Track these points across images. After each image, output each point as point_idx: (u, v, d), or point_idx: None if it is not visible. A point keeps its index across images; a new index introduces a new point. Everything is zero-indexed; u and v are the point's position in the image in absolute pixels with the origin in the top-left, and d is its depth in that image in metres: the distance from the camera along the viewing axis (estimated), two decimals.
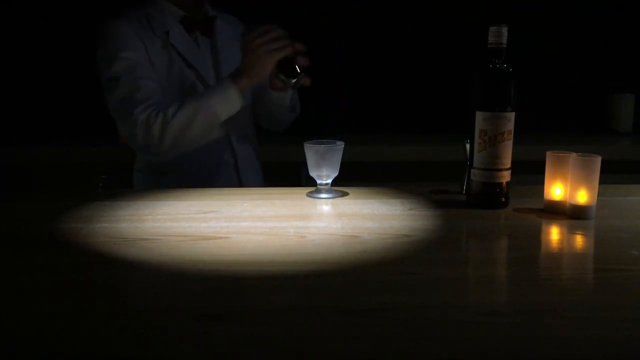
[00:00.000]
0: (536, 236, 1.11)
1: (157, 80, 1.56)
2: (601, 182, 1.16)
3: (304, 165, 1.37)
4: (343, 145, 1.34)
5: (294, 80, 1.50)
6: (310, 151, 1.32)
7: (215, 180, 1.68)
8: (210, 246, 1.02)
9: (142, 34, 1.56)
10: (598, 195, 1.16)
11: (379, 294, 0.82)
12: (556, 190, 1.21)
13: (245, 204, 1.29)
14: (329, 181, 1.36)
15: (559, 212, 1.20)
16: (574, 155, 1.17)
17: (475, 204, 1.26)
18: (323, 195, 1.35)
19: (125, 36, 1.55)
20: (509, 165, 1.24)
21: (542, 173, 1.23)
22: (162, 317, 0.76)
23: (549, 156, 1.23)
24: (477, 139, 1.23)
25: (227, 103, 1.48)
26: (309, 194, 1.37)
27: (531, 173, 1.44)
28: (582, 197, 1.15)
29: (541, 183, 1.24)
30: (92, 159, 2.31)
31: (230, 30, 1.74)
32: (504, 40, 1.20)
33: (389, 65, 2.70)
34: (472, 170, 1.25)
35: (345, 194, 1.37)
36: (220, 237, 1.06)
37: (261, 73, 1.48)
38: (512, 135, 1.22)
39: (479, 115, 1.22)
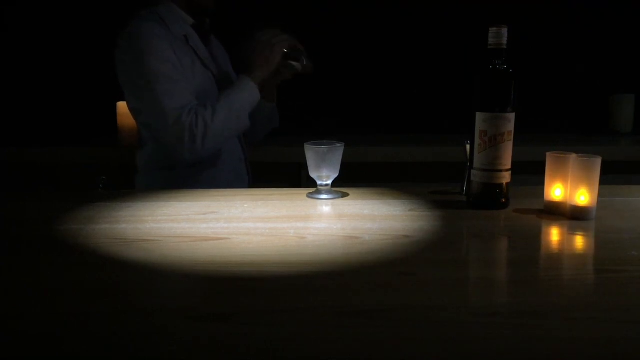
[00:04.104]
0: (536, 237, 1.11)
1: (187, 81, 1.60)
2: (601, 183, 1.16)
3: (304, 166, 1.37)
4: (343, 146, 1.34)
5: (300, 65, 1.68)
6: (311, 152, 1.32)
7: (225, 175, 1.72)
8: (210, 247, 1.02)
9: (165, 35, 1.58)
10: (598, 196, 1.16)
11: (379, 295, 0.82)
12: (556, 191, 1.21)
13: (246, 205, 1.29)
14: (329, 182, 1.36)
15: (560, 213, 1.20)
16: (574, 155, 1.17)
17: (475, 204, 1.26)
18: (323, 196, 1.35)
19: (157, 37, 1.57)
20: (509, 166, 1.24)
21: (543, 174, 1.23)
22: (162, 318, 0.76)
23: (549, 157, 1.23)
24: (477, 140, 1.23)
25: (251, 97, 1.63)
26: (310, 195, 1.37)
27: (531, 174, 1.44)
28: (583, 198, 1.15)
29: (541, 184, 1.24)
30: (92, 159, 2.31)
31: (218, 45, 1.87)
32: (504, 41, 1.20)
33: (389, 66, 2.70)
34: (472, 171, 1.25)
35: (345, 195, 1.37)
36: (221, 238, 1.06)
37: (272, 64, 1.64)
38: (512, 136, 1.22)
39: (479, 116, 1.22)
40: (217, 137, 1.57)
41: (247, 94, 1.61)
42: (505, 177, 1.24)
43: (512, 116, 1.21)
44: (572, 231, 1.11)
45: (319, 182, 1.36)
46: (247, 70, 1.64)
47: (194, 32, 1.70)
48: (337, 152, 1.33)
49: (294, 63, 1.67)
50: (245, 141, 1.84)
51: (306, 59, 1.68)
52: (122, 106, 2.26)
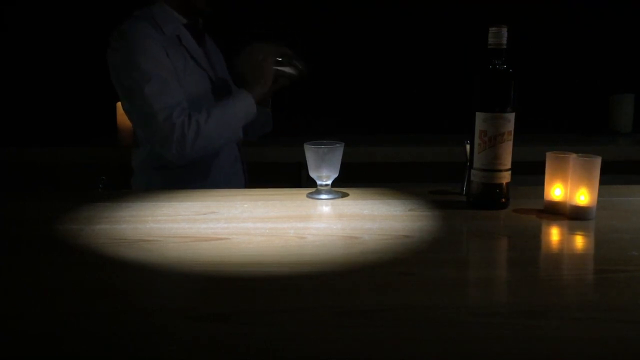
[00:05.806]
0: (536, 237, 1.11)
1: (179, 82, 1.60)
2: (601, 182, 1.16)
3: (304, 166, 1.37)
4: (343, 146, 1.34)
5: (294, 70, 1.68)
6: (310, 152, 1.32)
7: (220, 175, 1.72)
8: (210, 247, 1.02)
9: (157, 35, 1.58)
10: (598, 196, 1.16)
11: (379, 295, 0.82)
12: (556, 191, 1.21)
13: (246, 205, 1.29)
14: (329, 182, 1.36)
15: (559, 213, 1.20)
16: (574, 155, 1.17)
17: (475, 204, 1.26)
18: (323, 196, 1.35)
19: (149, 37, 1.57)
20: (509, 166, 1.24)
21: (542, 174, 1.23)
22: (162, 318, 0.76)
23: (549, 157, 1.23)
24: (477, 140, 1.23)
25: (248, 111, 1.63)
26: (309, 195, 1.37)
27: (531, 174, 1.44)
28: (582, 197, 1.15)
29: (541, 184, 1.24)
30: (91, 159, 2.32)
31: (212, 45, 1.86)
32: (504, 40, 1.20)
33: (389, 66, 2.70)
34: (472, 171, 1.25)
35: (345, 195, 1.37)
36: (221, 238, 1.06)
37: (267, 80, 1.65)
38: (512, 136, 1.22)
39: (479, 116, 1.22)
40: (207, 142, 1.56)
41: (244, 107, 1.61)
42: (505, 177, 1.24)
43: (512, 116, 1.21)
44: (572, 231, 1.12)
45: (318, 182, 1.36)
46: (246, 86, 1.65)
47: (187, 32, 1.69)
48: (337, 152, 1.33)
49: (287, 70, 1.67)
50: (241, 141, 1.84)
51: (298, 62, 1.67)
52: (121, 106, 2.27)
